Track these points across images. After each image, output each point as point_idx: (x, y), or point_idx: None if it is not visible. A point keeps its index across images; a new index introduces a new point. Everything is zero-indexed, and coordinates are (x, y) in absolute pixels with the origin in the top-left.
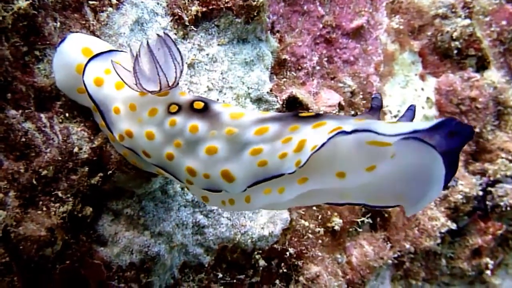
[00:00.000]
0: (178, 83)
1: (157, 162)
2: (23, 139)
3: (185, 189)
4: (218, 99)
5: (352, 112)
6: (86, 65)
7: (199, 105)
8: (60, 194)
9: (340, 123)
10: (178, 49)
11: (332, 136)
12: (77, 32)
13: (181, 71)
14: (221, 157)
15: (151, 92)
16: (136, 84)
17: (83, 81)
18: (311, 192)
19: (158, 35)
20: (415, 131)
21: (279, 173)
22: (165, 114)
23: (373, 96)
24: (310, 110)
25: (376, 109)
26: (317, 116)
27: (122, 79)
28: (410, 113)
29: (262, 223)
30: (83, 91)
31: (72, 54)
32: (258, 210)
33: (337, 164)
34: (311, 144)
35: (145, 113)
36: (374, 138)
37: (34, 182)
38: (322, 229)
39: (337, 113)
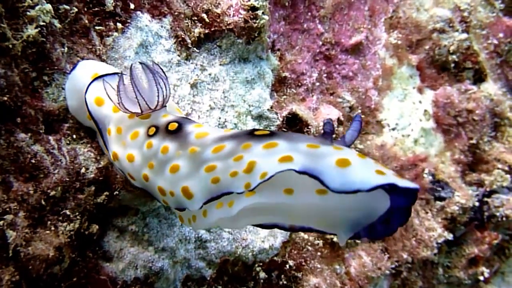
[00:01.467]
0: (164, 106)
1: (141, 185)
2: (32, 161)
3: None
4: (220, 117)
5: None
6: (89, 84)
7: (173, 126)
8: (68, 213)
9: (291, 149)
10: (163, 75)
11: (281, 171)
12: (87, 58)
13: (165, 96)
14: (183, 175)
15: (133, 113)
16: (119, 104)
17: (85, 99)
18: (261, 209)
19: (141, 62)
20: (358, 190)
21: (229, 191)
22: (144, 137)
23: (324, 121)
24: (308, 128)
25: (329, 133)
26: (271, 135)
27: (110, 99)
28: (357, 124)
29: (262, 236)
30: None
31: (83, 80)
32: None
33: (285, 183)
34: (261, 169)
35: (128, 136)
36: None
37: (43, 202)
38: (321, 241)
39: (337, 128)
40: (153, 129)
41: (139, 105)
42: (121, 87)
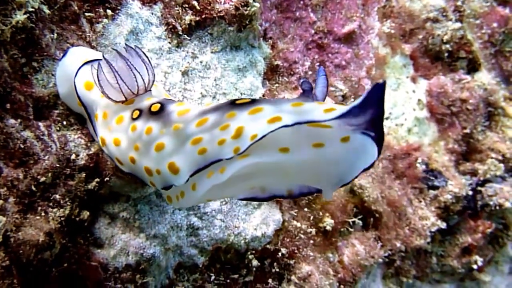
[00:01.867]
0: (149, 90)
1: (128, 169)
2: (22, 147)
3: None
4: None
5: None
6: (79, 68)
7: (156, 107)
8: (58, 199)
9: (277, 111)
10: (145, 59)
11: (273, 130)
12: (77, 45)
13: (147, 80)
14: (168, 152)
15: (117, 101)
16: (103, 93)
17: (74, 83)
18: (255, 173)
19: (125, 45)
20: (349, 110)
21: (217, 159)
22: (129, 120)
23: (301, 81)
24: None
25: (308, 91)
26: (253, 102)
27: (96, 85)
28: (323, 79)
29: (255, 224)
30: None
31: (73, 67)
32: (252, 212)
33: (279, 143)
34: (250, 132)
35: (114, 121)
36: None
37: (33, 188)
38: (314, 229)
39: None
40: (137, 112)
41: (122, 91)
42: (101, 76)
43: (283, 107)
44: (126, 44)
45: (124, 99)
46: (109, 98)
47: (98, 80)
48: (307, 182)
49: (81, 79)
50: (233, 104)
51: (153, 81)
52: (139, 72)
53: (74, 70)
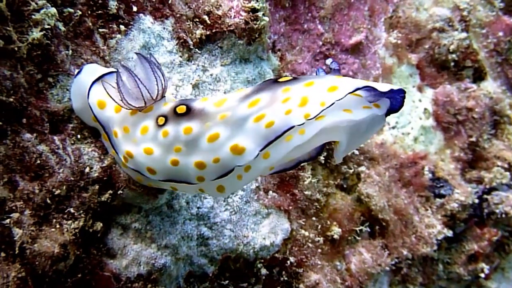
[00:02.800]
0: (164, 96)
1: (164, 175)
2: (38, 161)
3: (191, 202)
4: None
5: None
6: (90, 88)
7: (181, 109)
8: (72, 211)
9: (329, 81)
10: (158, 64)
11: (341, 98)
12: (91, 62)
13: (164, 84)
14: (225, 138)
15: (137, 108)
16: (122, 101)
17: (88, 104)
18: (326, 130)
19: (137, 53)
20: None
21: (289, 126)
22: (155, 128)
23: (331, 61)
24: None
25: (337, 70)
26: (296, 78)
27: (112, 98)
28: (336, 73)
29: (264, 233)
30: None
31: (88, 85)
32: (260, 221)
33: (342, 105)
34: (317, 99)
35: (138, 132)
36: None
37: (48, 201)
38: (322, 238)
39: None
40: (162, 119)
41: (143, 97)
42: (120, 84)
43: (329, 78)
44: (137, 53)
45: (143, 105)
46: (129, 105)
47: (118, 87)
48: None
49: (93, 99)
50: (278, 82)
51: (167, 86)
52: (158, 76)
53: (88, 87)
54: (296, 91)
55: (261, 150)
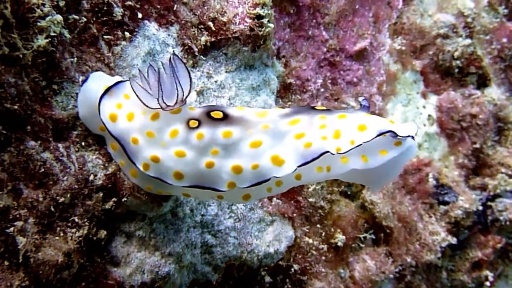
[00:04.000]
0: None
1: (192, 180)
2: (42, 169)
3: (195, 210)
4: None
5: None
6: (99, 104)
7: (218, 114)
8: (76, 220)
9: (359, 119)
10: (186, 66)
11: (371, 139)
12: (97, 70)
13: (191, 87)
14: (266, 147)
15: (168, 106)
16: (158, 99)
17: (102, 121)
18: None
19: (173, 53)
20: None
21: (324, 150)
22: (186, 131)
23: (361, 99)
24: None
25: (367, 107)
26: (330, 110)
27: (140, 99)
28: (366, 109)
29: (267, 241)
30: (104, 129)
31: (95, 92)
32: (264, 228)
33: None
34: (348, 137)
35: (166, 136)
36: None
37: (52, 209)
38: (326, 245)
39: None
40: (194, 122)
41: (177, 96)
42: (161, 80)
43: (360, 115)
44: (174, 53)
45: (173, 104)
46: (163, 103)
47: (158, 84)
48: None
49: (105, 114)
50: (315, 109)
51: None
52: (190, 78)
53: (96, 95)
54: (331, 120)
55: (298, 167)
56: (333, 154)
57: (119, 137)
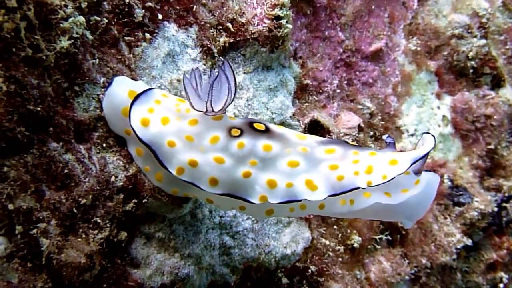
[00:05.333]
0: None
1: (226, 188)
2: (64, 170)
3: (214, 211)
4: None
5: (371, 133)
6: (130, 110)
7: (260, 126)
8: (98, 221)
9: (388, 155)
10: (234, 74)
11: (401, 173)
12: (120, 74)
13: (235, 95)
14: (302, 169)
15: (213, 111)
16: (206, 103)
17: (131, 126)
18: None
19: (223, 60)
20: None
21: (355, 186)
22: (227, 138)
23: (386, 137)
24: (330, 134)
25: (392, 144)
26: (360, 146)
27: (189, 98)
28: (391, 147)
29: (285, 242)
30: (130, 132)
31: (119, 97)
32: (282, 230)
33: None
34: (381, 172)
35: (206, 141)
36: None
37: (74, 210)
38: (342, 247)
39: (357, 134)
40: (236, 131)
41: (226, 101)
42: (213, 85)
43: (389, 152)
44: (225, 59)
45: (220, 109)
46: (210, 106)
47: (210, 87)
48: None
49: (136, 119)
50: (349, 144)
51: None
52: (234, 86)
53: (119, 100)
54: (363, 156)
55: (328, 196)
56: (364, 188)
57: (151, 142)
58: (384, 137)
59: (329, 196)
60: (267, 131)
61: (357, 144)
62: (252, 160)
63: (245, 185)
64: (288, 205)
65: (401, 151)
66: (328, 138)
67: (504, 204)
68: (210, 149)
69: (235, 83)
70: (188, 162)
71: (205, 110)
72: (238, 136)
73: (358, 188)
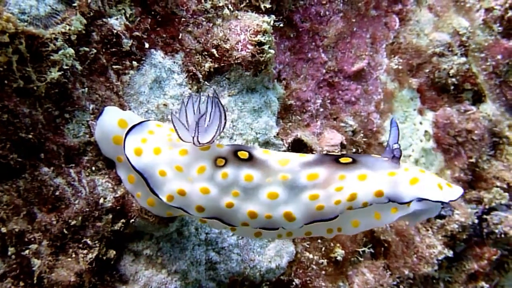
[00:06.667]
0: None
1: (211, 214)
2: (55, 193)
3: (200, 229)
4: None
5: (354, 150)
6: (124, 140)
7: (244, 154)
8: (87, 241)
9: (378, 182)
10: (223, 107)
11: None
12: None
13: (224, 127)
14: (282, 200)
15: (200, 144)
16: (193, 137)
17: (125, 155)
18: None
19: (214, 95)
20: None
21: (334, 215)
22: (213, 169)
23: (394, 148)
24: (313, 152)
25: (397, 158)
26: (354, 162)
27: (177, 131)
28: (395, 130)
29: (269, 256)
30: (121, 159)
31: (109, 126)
32: (266, 245)
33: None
34: (362, 199)
35: (194, 171)
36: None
37: (65, 231)
38: (326, 260)
39: (340, 151)
40: (221, 160)
41: (215, 134)
42: (199, 120)
43: (379, 175)
44: (214, 95)
45: (208, 142)
46: (197, 140)
47: (198, 124)
48: None
49: (129, 148)
50: (338, 163)
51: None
52: (225, 116)
53: (110, 129)
54: (350, 181)
55: (305, 224)
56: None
57: (143, 170)
58: (395, 146)
59: (307, 224)
60: (250, 159)
61: (350, 160)
62: (234, 190)
63: (229, 213)
64: (275, 232)
65: (396, 149)
66: (314, 154)
67: (485, 216)
68: (197, 179)
69: (225, 117)
70: (177, 191)
71: (192, 142)
72: (223, 166)
73: (337, 216)
